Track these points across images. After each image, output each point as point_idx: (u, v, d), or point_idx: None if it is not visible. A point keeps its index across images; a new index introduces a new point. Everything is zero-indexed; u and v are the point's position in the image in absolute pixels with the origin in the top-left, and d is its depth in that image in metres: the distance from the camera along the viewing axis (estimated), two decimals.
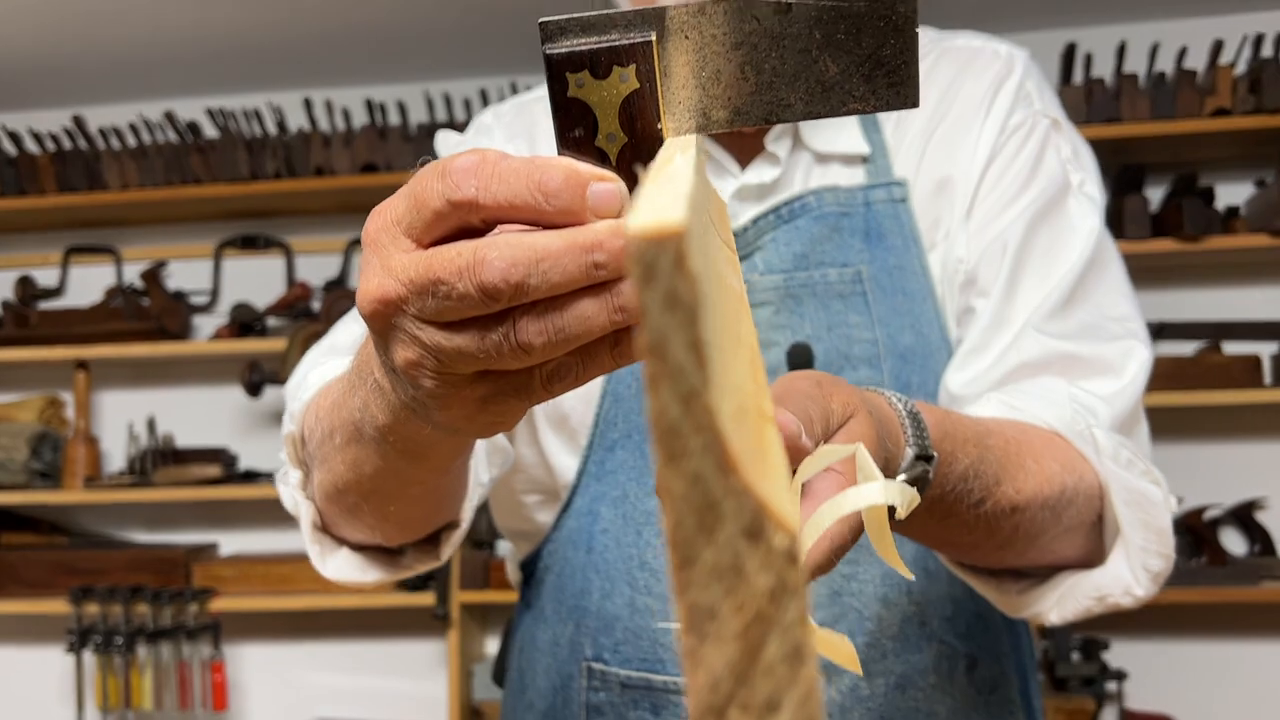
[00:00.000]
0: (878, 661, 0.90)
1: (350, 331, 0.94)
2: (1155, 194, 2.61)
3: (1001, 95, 0.93)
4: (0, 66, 2.82)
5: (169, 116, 2.78)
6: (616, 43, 0.50)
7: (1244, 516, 2.60)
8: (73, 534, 3.03)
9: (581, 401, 0.95)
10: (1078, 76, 2.54)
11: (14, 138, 2.85)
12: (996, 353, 0.87)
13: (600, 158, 0.51)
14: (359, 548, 0.85)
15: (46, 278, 3.08)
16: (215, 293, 2.99)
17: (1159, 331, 2.66)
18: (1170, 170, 2.62)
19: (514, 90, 2.69)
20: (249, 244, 2.99)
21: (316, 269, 2.95)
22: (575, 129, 0.51)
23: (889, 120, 0.97)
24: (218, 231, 3.00)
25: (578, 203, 0.45)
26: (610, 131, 0.51)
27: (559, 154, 0.51)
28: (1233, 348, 2.63)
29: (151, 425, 2.91)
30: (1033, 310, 0.88)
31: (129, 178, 2.79)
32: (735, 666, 0.27)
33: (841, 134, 0.96)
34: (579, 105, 0.51)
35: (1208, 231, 2.46)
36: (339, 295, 2.77)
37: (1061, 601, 0.83)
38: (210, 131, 2.84)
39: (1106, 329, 0.88)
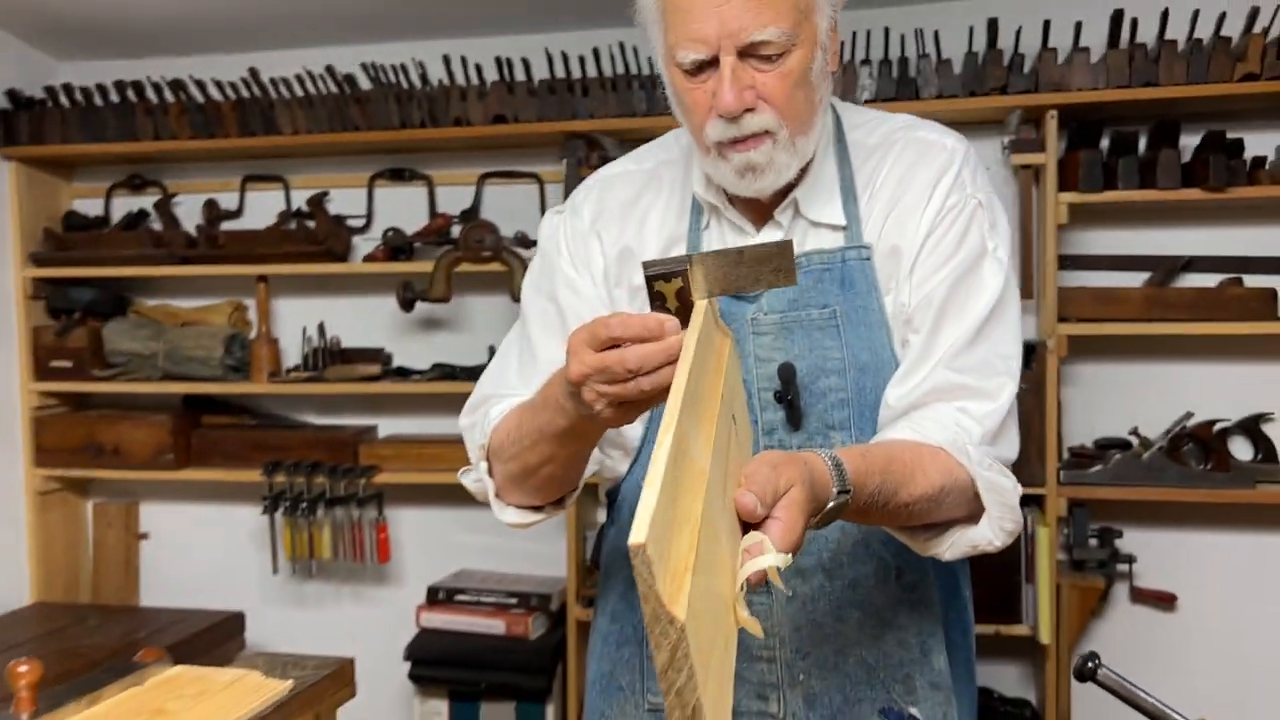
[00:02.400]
0: (838, 569, 1.33)
1: (502, 376, 1.46)
2: (1192, 141, 2.84)
3: (942, 183, 1.30)
4: (189, 17, 3.21)
5: (329, 70, 3.17)
6: (672, 268, 1.05)
7: (1251, 429, 2.90)
8: (259, 417, 3.56)
9: None
10: (1124, 40, 2.75)
11: (200, 86, 3.26)
12: (918, 379, 1.27)
13: (669, 312, 1.05)
14: (519, 506, 1.37)
15: (227, 201, 3.53)
16: (369, 218, 3.42)
17: (1187, 265, 2.94)
18: (1206, 121, 2.84)
19: (622, 49, 2.99)
20: (397, 176, 3.39)
21: (453, 199, 3.34)
22: (656, 302, 1.06)
23: (864, 196, 1.34)
24: (371, 164, 3.40)
25: (661, 332, 1.01)
26: (673, 305, 1.06)
27: (650, 310, 1.07)
28: (1252, 281, 2.88)
29: (321, 329, 3.39)
30: (946, 349, 1.27)
31: (298, 124, 3.19)
32: None
33: (827, 208, 1.33)
34: (658, 293, 1.06)
35: (1232, 183, 2.70)
36: (472, 225, 3.16)
37: (952, 547, 1.25)
38: (364, 83, 3.20)
39: (993, 365, 1.28)
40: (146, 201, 3.55)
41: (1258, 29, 2.66)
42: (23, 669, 1.28)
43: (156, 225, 3.52)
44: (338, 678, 1.53)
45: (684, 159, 1.41)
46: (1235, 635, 2.98)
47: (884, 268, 1.31)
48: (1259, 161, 2.76)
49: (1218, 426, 2.86)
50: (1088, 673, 1.54)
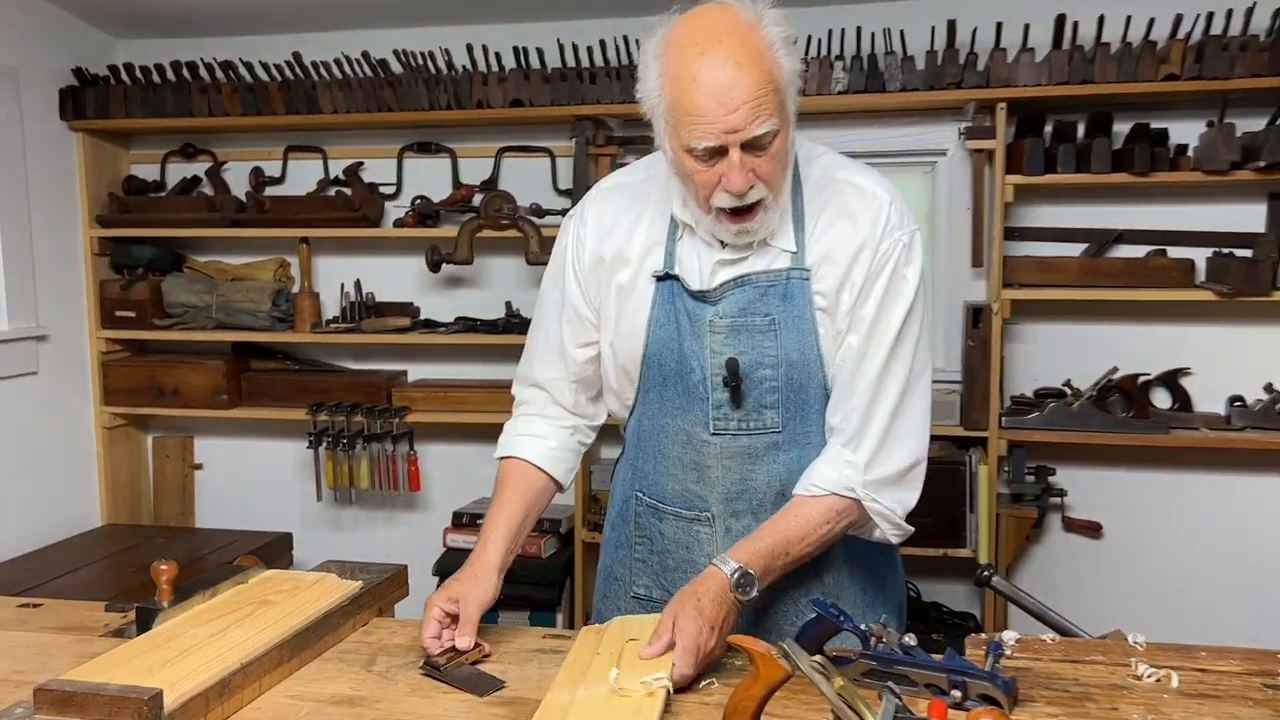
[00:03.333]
0: (764, 510, 1.68)
1: (529, 350, 1.85)
2: (1124, 130, 3.17)
3: (876, 229, 1.61)
4: (233, 3, 3.52)
5: (365, 55, 3.49)
6: None
7: (1170, 382, 3.27)
8: (302, 363, 3.93)
9: (633, 366, 1.73)
10: (1066, 42, 3.07)
11: (249, 67, 3.59)
12: (843, 413, 1.64)
13: None
14: None
15: (271, 169, 3.87)
16: (399, 186, 3.76)
17: (1119, 238, 3.29)
18: (1136, 113, 3.17)
19: (625, 41, 3.31)
20: (424, 149, 3.73)
21: (475, 170, 3.69)
22: None
23: (809, 225, 1.64)
24: (401, 138, 3.73)
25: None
26: None
27: None
28: (1175, 252, 3.23)
29: (358, 285, 3.75)
30: (862, 391, 1.62)
31: (337, 104, 3.52)
32: None
33: (782, 236, 1.63)
34: None
35: (1155, 167, 3.04)
36: (492, 195, 3.50)
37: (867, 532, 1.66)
38: (396, 67, 3.53)
39: (904, 419, 1.65)
40: (198, 168, 3.89)
41: (1181, 35, 2.98)
42: (164, 567, 1.65)
43: (208, 190, 3.86)
44: (395, 580, 1.91)
45: (664, 180, 1.70)
46: (1152, 559, 3.38)
47: (819, 286, 1.63)
48: (1182, 149, 3.10)
49: (1141, 379, 3.24)
50: (982, 580, 1.93)
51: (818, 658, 1.26)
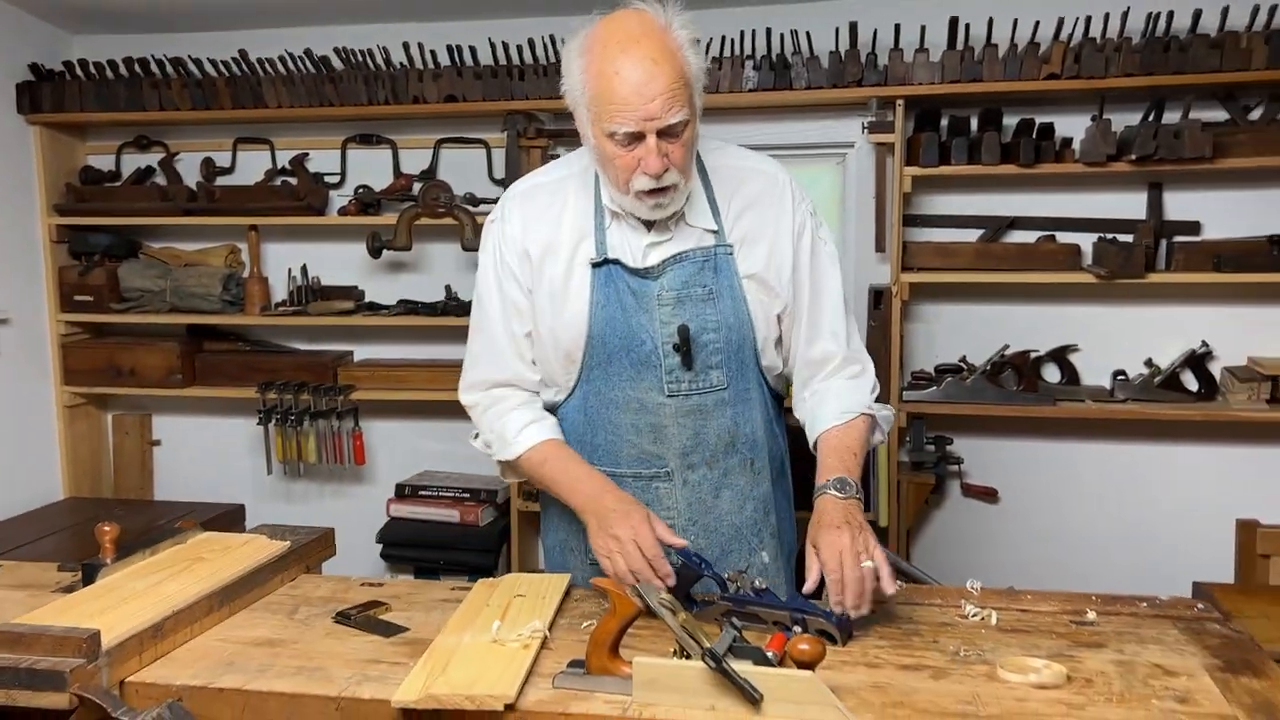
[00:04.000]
0: (716, 462, 1.89)
1: (480, 349, 1.98)
2: (1013, 125, 3.37)
3: (789, 201, 1.88)
4: (181, 1, 3.65)
5: (307, 53, 3.63)
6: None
7: (1058, 357, 3.50)
8: (253, 344, 4.08)
9: (576, 349, 1.87)
10: (959, 43, 3.27)
11: (197, 63, 3.72)
12: (822, 346, 1.90)
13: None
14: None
15: (221, 159, 4.00)
16: (343, 176, 3.91)
17: (1012, 224, 3.50)
18: (1024, 109, 3.37)
19: (554, 41, 3.47)
20: (366, 140, 3.88)
21: (414, 160, 3.84)
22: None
23: (723, 208, 1.86)
24: (344, 129, 3.87)
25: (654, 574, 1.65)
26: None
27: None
28: (1063, 237, 3.45)
29: (305, 270, 3.91)
30: (828, 323, 1.90)
31: (281, 99, 3.66)
32: None
33: (702, 218, 1.85)
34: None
35: (1041, 159, 3.25)
36: (430, 184, 3.67)
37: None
38: (337, 63, 3.66)
39: (855, 334, 1.94)
40: (152, 159, 4.02)
41: (1062, 37, 3.19)
42: (107, 528, 1.82)
43: (161, 180, 3.99)
44: (321, 541, 2.09)
45: (584, 175, 1.88)
46: (1044, 521, 3.62)
47: (741, 260, 1.85)
48: (1067, 142, 3.31)
49: (1031, 355, 3.45)
50: None
51: (666, 596, 1.46)
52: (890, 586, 1.63)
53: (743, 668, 1.37)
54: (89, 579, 1.75)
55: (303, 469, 3.92)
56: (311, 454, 3.83)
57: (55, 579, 1.97)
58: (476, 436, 2.01)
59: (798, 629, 1.61)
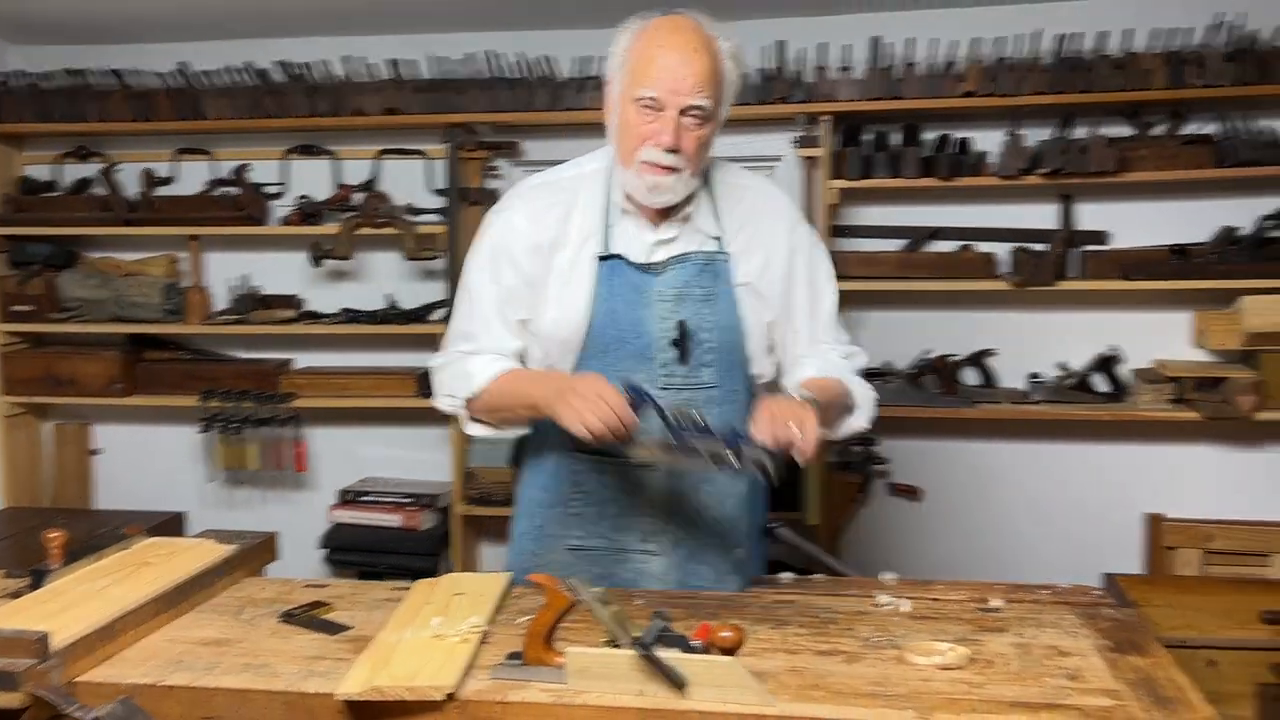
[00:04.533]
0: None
1: (466, 326, 2.00)
2: (932, 140, 3.51)
3: (786, 221, 1.99)
4: (120, 14, 3.64)
5: (248, 66, 3.66)
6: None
7: (977, 362, 3.64)
8: (194, 352, 4.08)
9: (575, 338, 1.91)
10: (880, 62, 3.40)
11: (137, 75, 3.72)
12: (819, 340, 2.00)
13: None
14: (484, 424, 2.00)
15: (160, 170, 4.00)
16: (284, 186, 3.94)
17: (932, 235, 3.63)
18: (942, 125, 3.52)
19: (493, 57, 3.54)
20: (307, 150, 3.91)
21: (355, 171, 3.88)
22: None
23: (725, 220, 1.94)
24: (285, 140, 3.90)
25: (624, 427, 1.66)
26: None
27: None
28: (980, 247, 3.59)
29: (245, 279, 3.93)
30: (825, 322, 2.01)
31: (222, 110, 3.68)
32: None
33: (707, 223, 1.93)
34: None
35: (958, 173, 3.39)
36: (371, 195, 3.71)
37: (846, 428, 2.00)
38: (277, 76, 3.70)
39: (842, 327, 2.05)
40: (91, 169, 4.01)
41: (978, 57, 3.33)
42: (53, 534, 1.85)
43: (101, 190, 3.98)
44: (265, 545, 2.13)
45: (594, 176, 1.95)
46: (965, 517, 3.76)
47: (738, 267, 1.93)
48: (983, 156, 3.45)
49: (951, 360, 3.59)
50: (768, 533, 2.22)
51: (596, 590, 1.54)
52: (807, 448, 1.69)
53: (669, 655, 1.45)
54: (37, 584, 1.78)
55: (245, 476, 3.93)
56: (254, 461, 3.85)
57: (2, 585, 1.99)
58: (441, 399, 2.02)
59: (734, 461, 1.68)
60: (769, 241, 1.96)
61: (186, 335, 4.03)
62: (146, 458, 4.15)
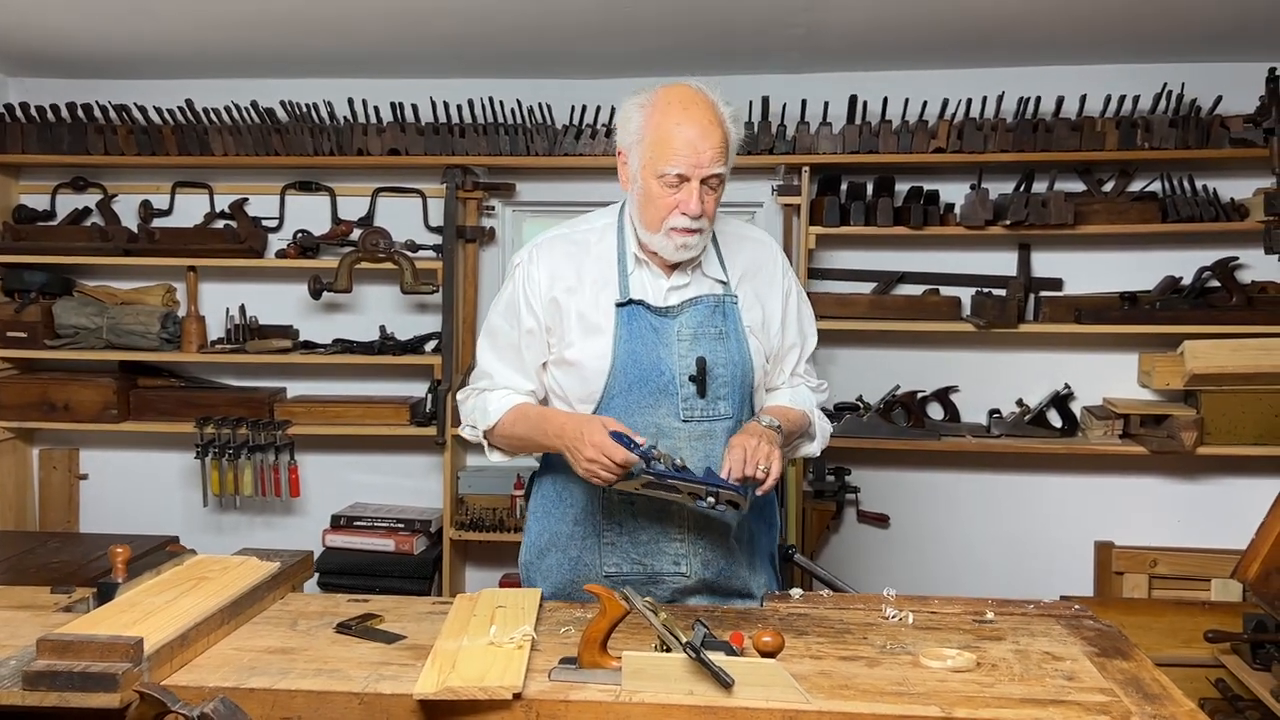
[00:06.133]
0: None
1: (486, 366, 2.18)
2: (904, 191, 3.73)
3: (779, 268, 2.18)
4: (127, 51, 3.72)
5: (254, 104, 3.77)
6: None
7: (942, 397, 3.85)
8: (188, 380, 4.14)
9: (599, 377, 2.06)
10: (857, 118, 3.62)
11: (142, 110, 3.81)
12: (795, 375, 2.20)
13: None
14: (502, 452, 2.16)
15: (159, 201, 4.08)
16: (281, 220, 4.03)
17: (901, 278, 3.85)
18: (914, 178, 3.74)
19: (492, 102, 3.69)
20: (305, 187, 4.01)
21: (352, 207, 3.99)
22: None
23: (729, 266, 2.12)
24: (283, 176, 4.00)
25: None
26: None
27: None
28: (946, 291, 3.81)
29: (242, 310, 4.00)
30: (806, 359, 2.20)
31: (227, 148, 3.78)
32: None
33: (714, 269, 2.11)
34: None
35: (928, 222, 3.62)
36: (369, 230, 3.83)
37: (795, 449, 2.18)
38: (282, 115, 3.81)
39: (814, 368, 2.23)
40: (88, 199, 4.07)
41: (947, 116, 3.57)
42: (119, 550, 1.94)
43: (97, 219, 4.04)
44: (304, 563, 2.24)
45: (605, 230, 2.13)
46: (931, 543, 3.95)
47: (748, 314, 2.11)
48: (950, 207, 3.68)
49: (918, 395, 3.80)
50: (786, 556, 2.39)
51: (647, 599, 1.68)
52: (770, 484, 1.91)
53: (716, 658, 1.60)
54: (106, 597, 1.87)
55: (238, 501, 3.99)
56: (248, 486, 3.91)
57: (52, 600, 2.07)
58: (465, 429, 2.21)
59: (711, 499, 1.88)
60: (767, 290, 2.16)
61: (182, 363, 4.08)
62: (133, 483, 4.18)
